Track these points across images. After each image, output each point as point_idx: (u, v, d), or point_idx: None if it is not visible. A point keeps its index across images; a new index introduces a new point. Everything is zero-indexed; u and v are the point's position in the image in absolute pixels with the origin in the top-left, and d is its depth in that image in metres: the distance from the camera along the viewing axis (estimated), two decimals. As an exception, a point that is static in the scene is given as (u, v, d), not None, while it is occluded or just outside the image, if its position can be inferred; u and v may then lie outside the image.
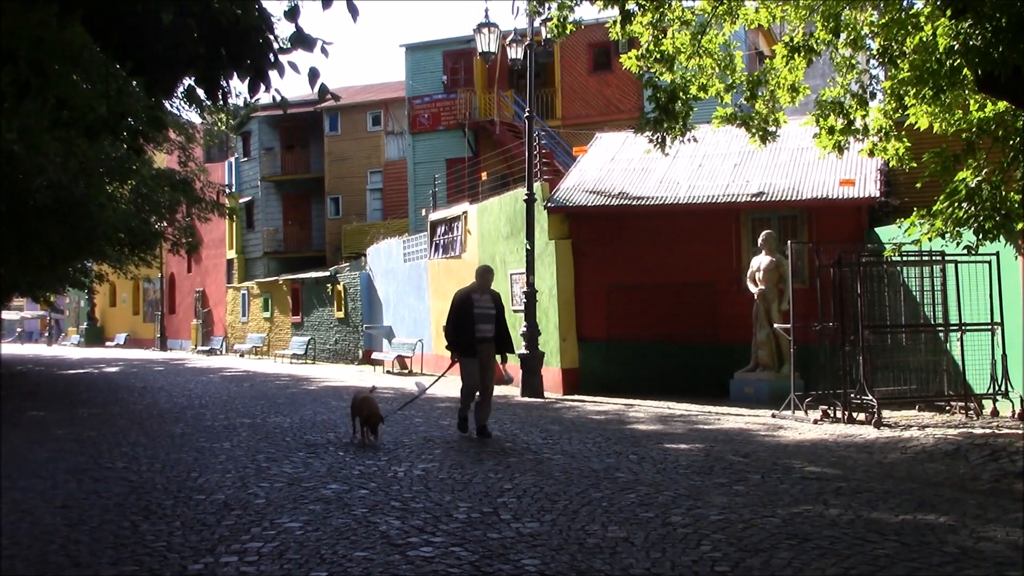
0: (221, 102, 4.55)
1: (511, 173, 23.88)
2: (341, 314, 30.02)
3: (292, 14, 4.23)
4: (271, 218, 40.09)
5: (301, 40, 4.30)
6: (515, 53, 18.34)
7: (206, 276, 43.41)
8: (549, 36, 12.42)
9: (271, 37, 4.43)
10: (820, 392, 12.54)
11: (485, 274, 11.62)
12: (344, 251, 35.33)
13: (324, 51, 4.40)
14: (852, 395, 11.96)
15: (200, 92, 4.55)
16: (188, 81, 4.53)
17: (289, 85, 46.66)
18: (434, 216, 23.92)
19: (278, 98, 4.75)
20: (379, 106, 37.03)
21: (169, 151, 26.43)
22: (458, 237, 22.19)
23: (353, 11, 4.20)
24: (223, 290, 40.97)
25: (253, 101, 4.63)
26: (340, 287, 29.95)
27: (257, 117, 37.61)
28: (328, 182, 38.19)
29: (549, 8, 12.68)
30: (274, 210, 40.23)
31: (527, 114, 17.85)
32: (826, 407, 12.26)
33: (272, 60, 4.45)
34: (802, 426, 11.74)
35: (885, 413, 11.71)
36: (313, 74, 4.50)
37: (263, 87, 4.45)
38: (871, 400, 11.63)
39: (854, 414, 11.96)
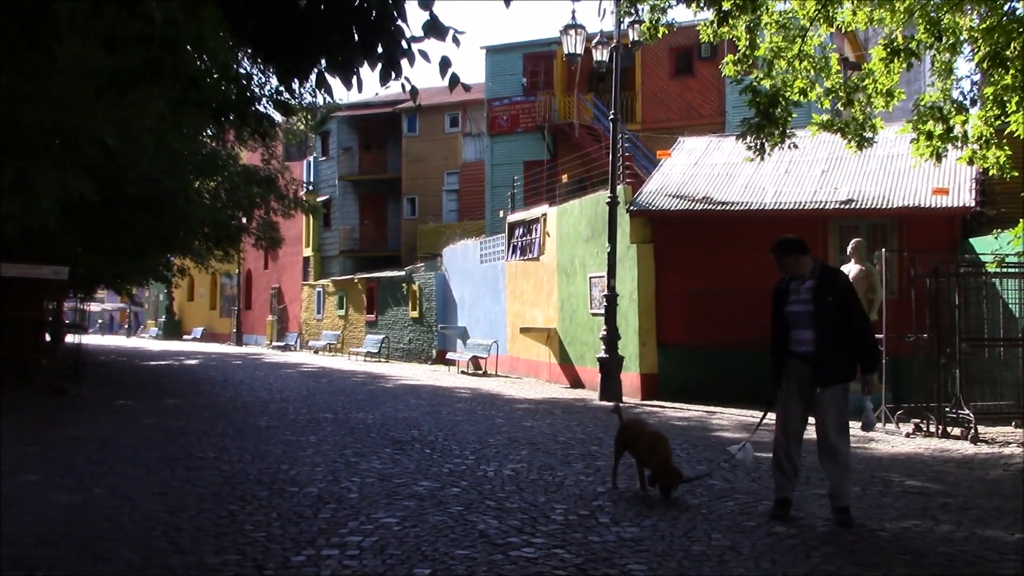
0: (356, 89, 4.52)
1: (589, 176, 23.74)
2: (416, 314, 30.13)
3: (426, 2, 4.19)
4: (348, 217, 40.52)
5: (434, 28, 4.22)
6: (600, 55, 18.20)
7: (282, 273, 43.99)
8: (640, 39, 12.26)
9: (403, 25, 4.38)
10: (912, 405, 12.19)
11: (786, 247, 6.74)
12: (419, 251, 35.45)
13: (456, 40, 4.34)
14: (947, 409, 11.61)
15: (330, 79, 4.51)
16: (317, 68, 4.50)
17: (372, 83, 46.84)
18: (512, 218, 23.87)
19: (407, 87, 4.70)
20: (457, 107, 37.09)
21: (253, 148, 26.79)
22: (536, 239, 22.11)
23: None
24: (299, 287, 41.48)
25: (384, 88, 4.55)
26: (415, 287, 30.07)
27: (336, 117, 37.98)
28: (405, 182, 38.42)
29: (641, 10, 12.55)
30: (351, 209, 40.65)
31: (612, 116, 17.69)
32: (918, 421, 11.91)
33: (404, 48, 4.41)
34: (894, 439, 11.41)
35: (980, 429, 11.34)
36: (444, 63, 4.43)
37: (393, 75, 4.41)
38: (967, 415, 11.27)
39: (948, 429, 11.60)
